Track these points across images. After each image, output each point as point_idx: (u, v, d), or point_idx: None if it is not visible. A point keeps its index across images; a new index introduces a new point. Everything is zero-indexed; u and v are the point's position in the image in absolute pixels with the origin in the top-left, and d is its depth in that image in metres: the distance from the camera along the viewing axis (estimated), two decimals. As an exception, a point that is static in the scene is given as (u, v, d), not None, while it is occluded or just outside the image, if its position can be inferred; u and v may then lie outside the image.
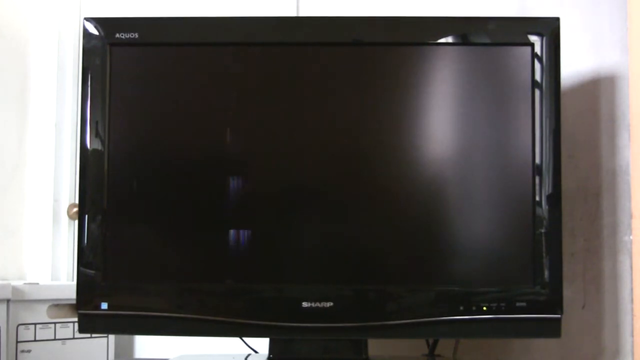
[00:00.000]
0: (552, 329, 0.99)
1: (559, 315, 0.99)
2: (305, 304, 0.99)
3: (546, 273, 0.99)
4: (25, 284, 1.20)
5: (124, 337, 1.33)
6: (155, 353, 1.32)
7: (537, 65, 1.01)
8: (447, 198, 1.01)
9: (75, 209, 1.35)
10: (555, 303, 0.99)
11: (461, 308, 0.99)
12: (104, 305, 1.00)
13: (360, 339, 1.04)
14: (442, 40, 1.02)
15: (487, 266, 1.00)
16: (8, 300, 1.15)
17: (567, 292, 1.12)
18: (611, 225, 1.20)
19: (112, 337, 1.27)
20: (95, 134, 1.02)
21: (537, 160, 1.00)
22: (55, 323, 1.21)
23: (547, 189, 1.00)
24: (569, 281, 1.17)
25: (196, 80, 1.03)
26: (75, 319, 1.20)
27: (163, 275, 1.01)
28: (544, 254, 0.99)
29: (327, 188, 1.02)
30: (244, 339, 1.16)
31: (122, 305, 1.00)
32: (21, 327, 1.17)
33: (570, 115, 1.19)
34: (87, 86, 1.02)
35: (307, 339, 1.03)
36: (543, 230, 1.00)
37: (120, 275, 1.01)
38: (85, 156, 1.02)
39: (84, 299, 1.01)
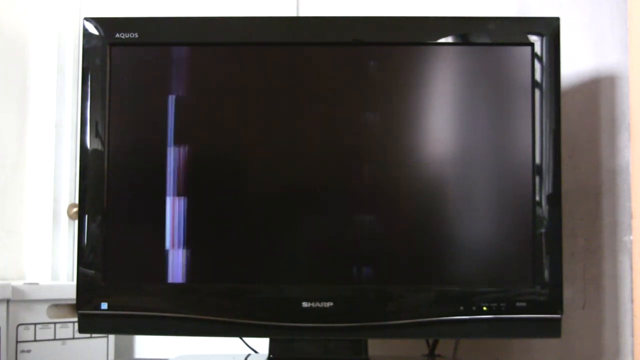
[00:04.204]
0: (552, 329, 1.00)
1: (559, 315, 0.99)
2: (305, 304, 0.99)
3: (546, 273, 0.99)
4: (25, 284, 1.20)
5: (124, 337, 1.33)
6: (155, 353, 1.32)
7: (537, 65, 1.01)
8: (447, 198, 1.01)
9: (75, 209, 1.35)
10: (555, 303, 0.99)
11: (461, 308, 0.99)
12: (104, 305, 1.00)
13: (360, 339, 1.04)
14: (442, 40, 1.02)
15: (487, 266, 1.00)
16: (8, 300, 1.15)
17: (567, 292, 1.12)
18: (611, 225, 1.20)
19: (112, 337, 1.27)
20: (95, 134, 1.02)
21: (537, 160, 1.00)
22: (55, 323, 1.21)
23: (547, 189, 1.00)
24: (569, 281, 1.17)
25: (196, 80, 1.03)
26: (75, 319, 1.20)
27: (163, 275, 1.01)
28: (544, 254, 0.99)
29: (327, 188, 1.02)
30: (244, 339, 1.16)
31: (122, 305, 1.00)
32: (21, 327, 1.17)
33: (570, 115, 1.19)
34: (87, 86, 1.02)
35: (307, 339, 1.03)
36: (543, 230, 1.00)
37: (120, 275, 1.01)
38: (85, 156, 1.02)
39: (84, 299, 1.01)
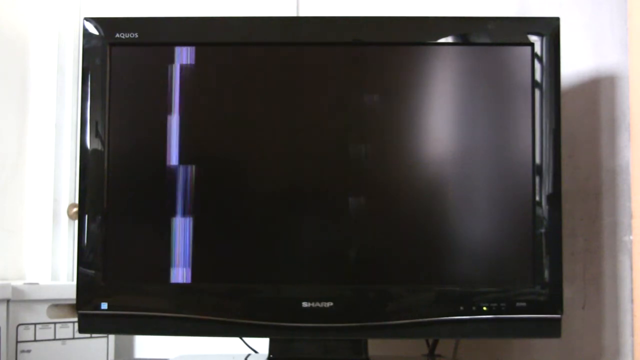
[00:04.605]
0: (552, 329, 1.00)
1: (559, 315, 0.99)
2: (305, 304, 0.99)
3: (546, 273, 0.99)
4: (25, 284, 1.20)
5: (124, 337, 1.33)
6: (155, 353, 1.32)
7: (537, 65, 1.01)
8: (447, 198, 1.01)
9: (75, 209, 1.35)
10: (555, 303, 0.99)
11: (461, 308, 0.99)
12: (104, 305, 1.00)
13: (360, 339, 1.04)
14: (442, 40, 1.02)
15: (487, 266, 1.00)
16: (8, 300, 1.15)
17: (567, 292, 1.12)
18: (611, 225, 1.20)
19: (112, 337, 1.27)
20: (95, 134, 1.02)
21: (537, 160, 1.00)
22: (55, 323, 1.21)
23: (547, 189, 1.00)
24: (569, 281, 1.17)
25: (196, 80, 1.03)
26: (75, 319, 1.20)
27: (163, 275, 1.01)
28: (544, 254, 0.99)
29: (327, 188, 1.02)
30: (244, 339, 1.16)
31: (122, 305, 1.00)
32: (21, 327, 1.17)
33: (570, 115, 1.19)
34: (87, 86, 1.02)
35: (307, 339, 1.03)
36: (543, 230, 1.00)
37: (120, 275, 1.01)
38: (85, 156, 1.02)
39: (84, 299, 1.01)
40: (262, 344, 1.17)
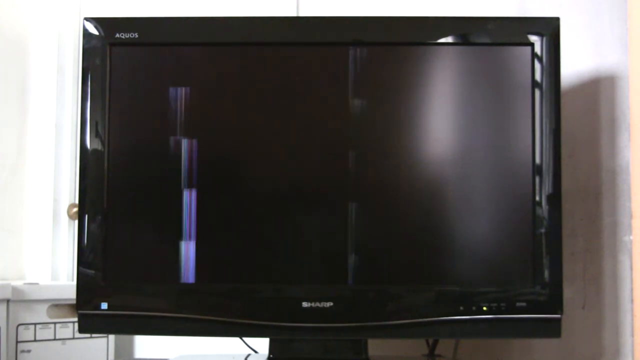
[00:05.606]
0: (552, 329, 1.00)
1: (559, 315, 0.99)
2: (305, 304, 0.99)
3: (546, 273, 0.99)
4: (25, 284, 1.20)
5: (124, 337, 1.33)
6: (155, 353, 1.32)
7: (537, 65, 1.01)
8: (447, 198, 1.01)
9: (75, 209, 1.35)
10: (555, 303, 0.99)
11: (461, 308, 0.99)
12: (104, 305, 1.00)
13: (360, 339, 1.04)
14: (442, 40, 1.02)
15: (487, 266, 1.00)
16: (8, 300, 1.15)
17: (567, 292, 1.12)
18: (611, 225, 1.20)
19: (112, 337, 1.27)
20: (95, 134, 1.02)
21: (537, 160, 1.00)
22: (55, 323, 1.21)
23: (547, 189, 1.00)
24: (569, 281, 1.17)
25: (196, 81, 1.03)
26: (75, 319, 1.20)
27: (163, 275, 1.01)
28: (544, 254, 0.99)
29: (327, 188, 1.02)
30: (244, 339, 1.16)
31: (122, 305, 1.00)
32: (21, 327, 1.17)
33: (570, 115, 1.19)
34: (87, 86, 1.02)
35: (307, 339, 1.03)
36: (543, 230, 1.00)
37: (120, 275, 1.01)
38: (85, 156, 1.02)
39: (84, 299, 1.01)
40: (262, 344, 1.17)
